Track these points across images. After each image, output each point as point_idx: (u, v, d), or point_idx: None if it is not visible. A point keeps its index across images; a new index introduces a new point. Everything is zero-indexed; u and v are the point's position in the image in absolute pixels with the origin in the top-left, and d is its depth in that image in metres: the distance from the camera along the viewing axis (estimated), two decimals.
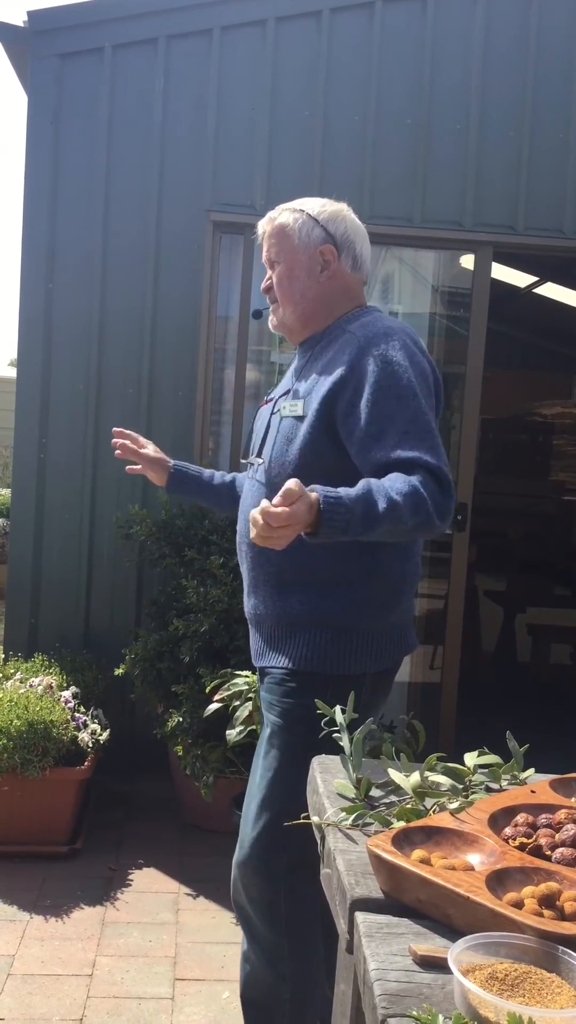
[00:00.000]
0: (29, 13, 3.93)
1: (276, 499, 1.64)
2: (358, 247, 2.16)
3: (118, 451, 2.32)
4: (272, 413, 2.13)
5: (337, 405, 1.96)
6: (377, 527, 1.76)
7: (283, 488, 1.64)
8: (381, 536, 1.82)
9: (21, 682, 3.60)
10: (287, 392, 2.12)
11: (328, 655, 2.00)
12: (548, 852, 1.21)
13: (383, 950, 1.05)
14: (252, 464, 2.16)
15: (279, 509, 1.61)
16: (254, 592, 2.11)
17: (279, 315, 2.17)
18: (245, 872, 2.06)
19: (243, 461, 2.27)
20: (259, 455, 2.12)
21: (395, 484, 1.80)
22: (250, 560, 2.10)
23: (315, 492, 1.70)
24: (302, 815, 1.52)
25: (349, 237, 2.15)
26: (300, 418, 2.02)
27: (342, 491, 1.75)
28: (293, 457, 2.01)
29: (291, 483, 1.64)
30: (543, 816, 1.30)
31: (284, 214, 2.15)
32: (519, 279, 7.76)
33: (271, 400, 2.22)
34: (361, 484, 1.79)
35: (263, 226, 2.18)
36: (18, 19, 4.16)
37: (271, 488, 2.02)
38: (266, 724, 2.09)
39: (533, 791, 1.42)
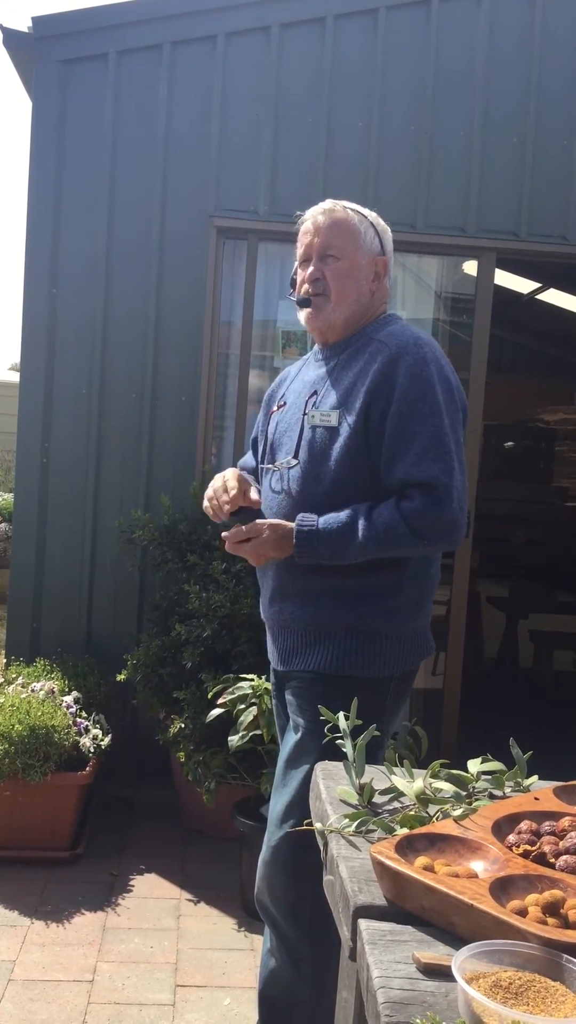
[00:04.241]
0: (33, 19, 3.95)
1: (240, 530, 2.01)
2: (392, 265, 2.21)
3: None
4: (304, 414, 2.08)
5: (371, 416, 1.97)
6: (351, 559, 1.95)
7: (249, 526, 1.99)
8: (376, 556, 1.96)
9: (23, 687, 3.60)
10: (313, 394, 2.09)
11: (358, 659, 2.02)
12: (552, 860, 1.21)
13: (386, 958, 1.04)
14: (276, 469, 2.11)
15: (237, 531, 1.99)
16: (280, 599, 2.10)
17: (326, 311, 2.10)
18: (271, 871, 2.06)
19: (265, 466, 2.18)
20: (295, 457, 2.06)
21: (382, 515, 1.92)
22: (276, 568, 2.09)
23: (292, 523, 1.97)
24: (305, 821, 1.52)
25: (391, 254, 2.20)
26: (334, 429, 2.01)
27: (323, 522, 1.93)
28: (329, 469, 2.01)
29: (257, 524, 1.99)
30: (547, 823, 1.30)
31: (347, 212, 2.12)
32: (522, 285, 7.75)
33: (284, 405, 2.18)
34: (347, 514, 1.94)
35: (317, 216, 2.12)
36: (23, 25, 4.17)
37: (303, 498, 2.02)
38: (292, 727, 2.10)
39: (537, 798, 1.42)
